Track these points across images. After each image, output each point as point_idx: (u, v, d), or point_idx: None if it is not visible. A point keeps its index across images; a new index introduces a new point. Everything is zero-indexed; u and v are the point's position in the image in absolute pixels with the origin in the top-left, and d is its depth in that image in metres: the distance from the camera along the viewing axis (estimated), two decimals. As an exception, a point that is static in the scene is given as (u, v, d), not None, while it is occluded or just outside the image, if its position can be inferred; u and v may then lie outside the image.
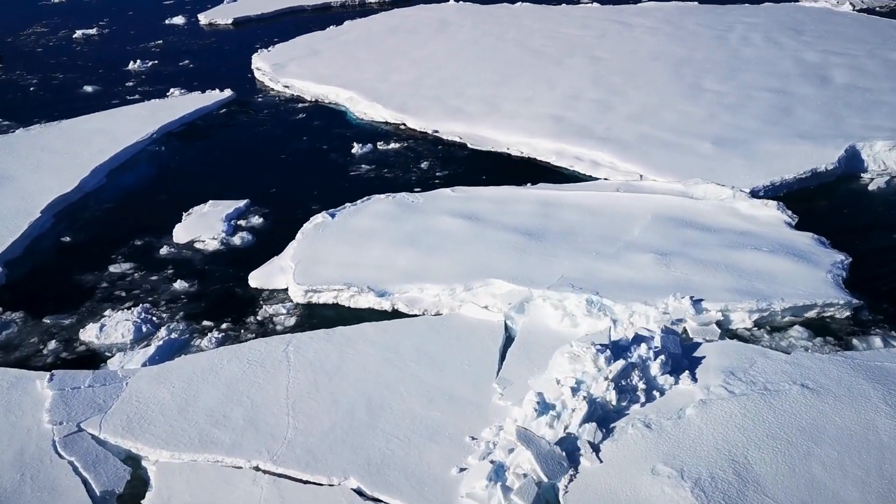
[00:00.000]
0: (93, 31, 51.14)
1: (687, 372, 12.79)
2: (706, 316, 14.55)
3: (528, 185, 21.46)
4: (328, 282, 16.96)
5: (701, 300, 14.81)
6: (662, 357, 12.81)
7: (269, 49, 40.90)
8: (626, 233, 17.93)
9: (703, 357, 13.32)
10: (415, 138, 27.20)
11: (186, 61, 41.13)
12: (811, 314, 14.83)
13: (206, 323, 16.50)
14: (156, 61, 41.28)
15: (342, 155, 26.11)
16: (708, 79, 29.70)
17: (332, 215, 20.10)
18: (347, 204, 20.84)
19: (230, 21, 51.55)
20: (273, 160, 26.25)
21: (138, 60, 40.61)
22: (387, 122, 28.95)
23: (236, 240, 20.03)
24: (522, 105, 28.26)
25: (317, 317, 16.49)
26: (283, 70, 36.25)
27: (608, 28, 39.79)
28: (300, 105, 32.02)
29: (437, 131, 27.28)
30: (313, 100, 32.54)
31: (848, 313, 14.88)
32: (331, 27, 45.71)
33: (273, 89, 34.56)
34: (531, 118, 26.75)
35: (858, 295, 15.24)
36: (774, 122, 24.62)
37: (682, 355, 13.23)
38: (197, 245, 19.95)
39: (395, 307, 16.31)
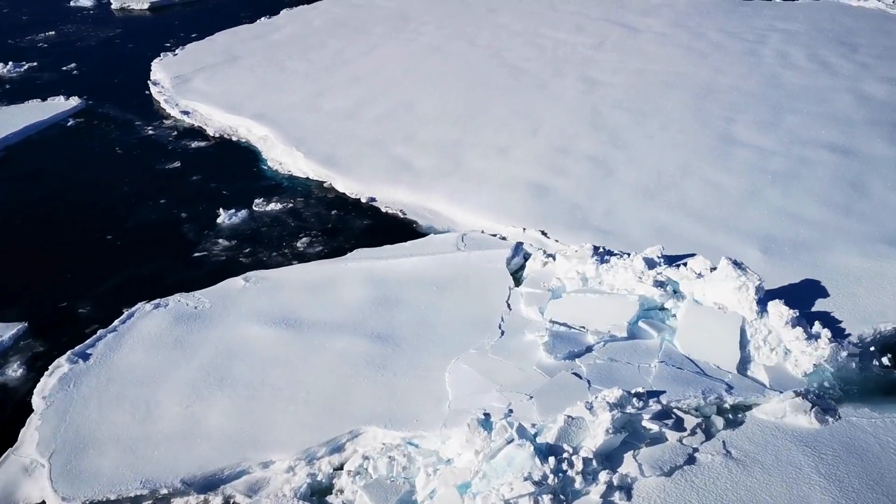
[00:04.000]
0: (-25, 16, 43.34)
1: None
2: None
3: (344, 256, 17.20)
4: (112, 485, 11.19)
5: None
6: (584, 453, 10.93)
7: (177, 52, 33.55)
8: (496, 310, 14.60)
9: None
10: (333, 203, 20.43)
11: (72, 65, 33.59)
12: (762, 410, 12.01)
13: None
14: (34, 63, 33.79)
15: (201, 226, 19.40)
16: (742, 122, 23.00)
17: (84, 357, 13.74)
18: (100, 330, 14.58)
19: (146, 5, 43.91)
20: (96, 238, 19.01)
21: (10, 63, 33.09)
22: (307, 178, 22.03)
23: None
24: (493, 160, 21.47)
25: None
26: (185, 87, 29.03)
27: (607, 32, 32.83)
28: (193, 144, 24.78)
29: (373, 199, 20.45)
30: (216, 135, 25.41)
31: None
32: (262, 19, 38.41)
33: (168, 115, 27.32)
34: (503, 185, 19.97)
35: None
36: (844, 208, 18.02)
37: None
38: None
39: (233, 501, 11.16)
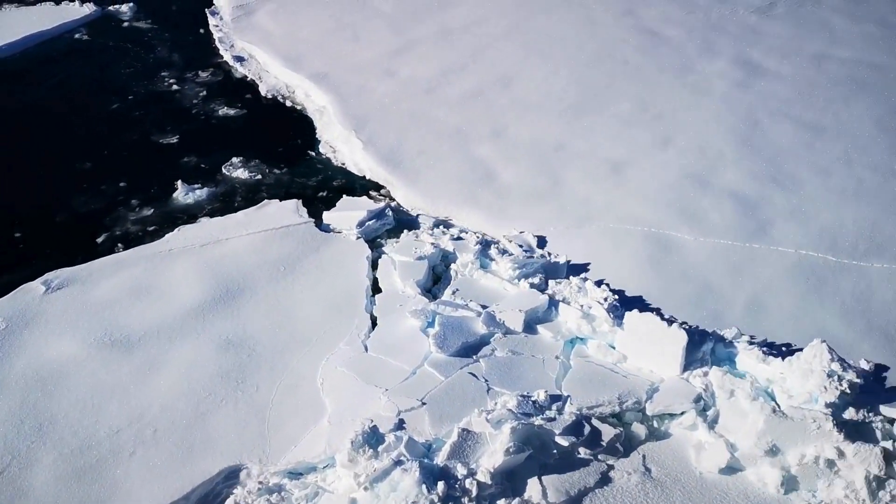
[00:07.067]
0: None
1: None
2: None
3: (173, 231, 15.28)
4: None
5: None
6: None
7: (249, -29, 29.19)
8: (360, 289, 13.52)
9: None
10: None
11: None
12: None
13: None
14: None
15: (148, 199, 16.58)
16: (961, 161, 16.96)
17: None
18: None
19: None
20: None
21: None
22: (363, 178, 17.83)
23: None
24: (604, 183, 16.58)
25: None
26: (247, 22, 24.95)
27: (780, -11, 26.11)
28: (221, 111, 20.47)
29: (424, 217, 16.07)
30: (269, 96, 21.39)
31: None
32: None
33: (216, 61, 23.41)
34: (611, 231, 15.14)
35: None
36: None
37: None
38: None
39: None
